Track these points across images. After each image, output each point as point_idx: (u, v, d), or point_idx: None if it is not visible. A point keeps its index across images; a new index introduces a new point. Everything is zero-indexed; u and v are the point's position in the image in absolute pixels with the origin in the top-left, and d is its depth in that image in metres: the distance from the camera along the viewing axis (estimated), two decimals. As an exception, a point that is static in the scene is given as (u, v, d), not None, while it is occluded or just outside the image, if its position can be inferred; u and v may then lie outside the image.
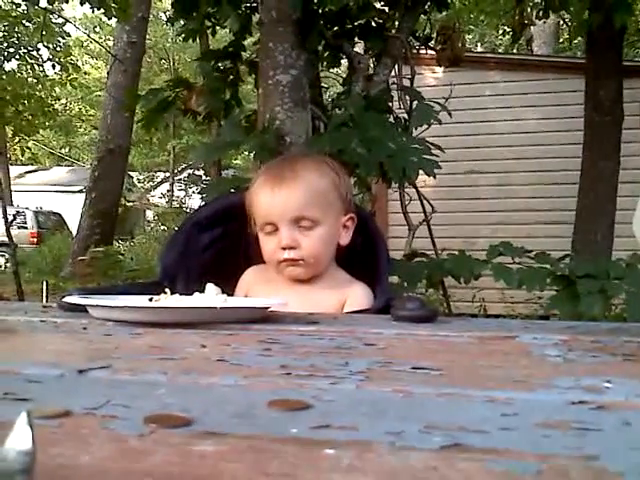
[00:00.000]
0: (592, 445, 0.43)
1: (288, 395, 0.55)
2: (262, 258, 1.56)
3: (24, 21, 14.12)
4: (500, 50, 17.77)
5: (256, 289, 1.46)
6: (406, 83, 3.43)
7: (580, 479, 0.37)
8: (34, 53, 15.14)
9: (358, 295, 1.42)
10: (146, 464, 0.39)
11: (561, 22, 14.88)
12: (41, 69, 16.08)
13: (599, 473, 0.38)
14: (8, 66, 15.10)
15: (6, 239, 6.02)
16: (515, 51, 11.69)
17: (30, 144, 25.79)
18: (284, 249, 1.41)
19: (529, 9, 4.77)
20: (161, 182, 27.61)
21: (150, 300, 1.10)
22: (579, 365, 0.74)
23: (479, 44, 19.88)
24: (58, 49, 14.71)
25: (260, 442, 0.43)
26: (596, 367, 0.73)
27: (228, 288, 1.28)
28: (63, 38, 14.55)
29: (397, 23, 3.54)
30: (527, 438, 0.44)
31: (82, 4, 6.28)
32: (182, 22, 4.29)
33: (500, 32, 17.05)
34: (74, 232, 14.43)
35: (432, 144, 2.89)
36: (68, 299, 1.11)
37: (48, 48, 14.54)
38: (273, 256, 1.43)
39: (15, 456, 0.31)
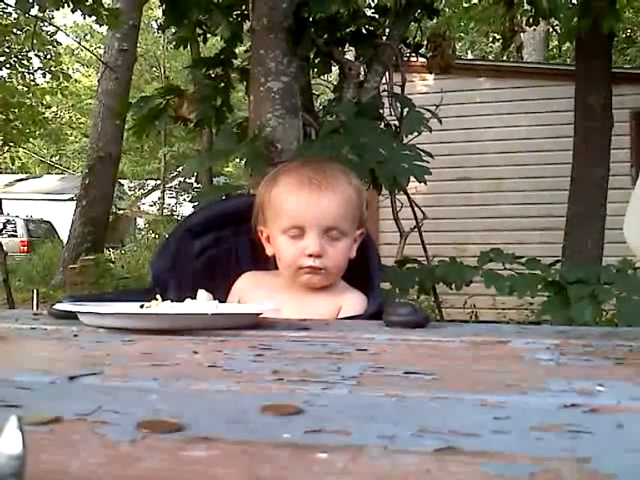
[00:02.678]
0: (585, 447, 0.43)
1: (280, 400, 0.55)
2: (255, 264, 1.56)
3: (15, 29, 14.09)
4: (490, 57, 17.85)
5: (251, 295, 1.45)
6: (397, 90, 3.44)
7: (573, 481, 0.37)
8: (25, 62, 15.10)
9: (353, 302, 1.42)
10: (137, 470, 0.39)
11: (551, 29, 14.98)
12: (32, 77, 16.04)
13: (592, 475, 0.38)
14: (-1, 74, 15.07)
15: (-4, 247, 6.00)
16: (505, 58, 11.75)
17: (20, 152, 25.71)
18: (310, 256, 1.38)
19: (519, 16, 4.79)
20: (152, 190, 27.55)
21: (141, 307, 1.09)
22: (571, 369, 0.74)
23: (469, 51, 19.98)
24: (49, 57, 14.69)
25: (253, 447, 0.43)
26: (588, 371, 0.73)
27: (220, 295, 1.27)
28: (54, 46, 14.53)
29: (388, 30, 3.55)
30: (520, 441, 0.44)
31: (73, 12, 6.27)
32: (173, 30, 4.30)
33: (490, 39, 17.14)
34: (64, 240, 14.38)
35: (422, 151, 2.90)
36: (59, 306, 1.11)
37: (39, 57, 14.52)
38: (294, 261, 1.40)
39: (5, 460, 0.31)
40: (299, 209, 1.40)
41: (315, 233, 1.39)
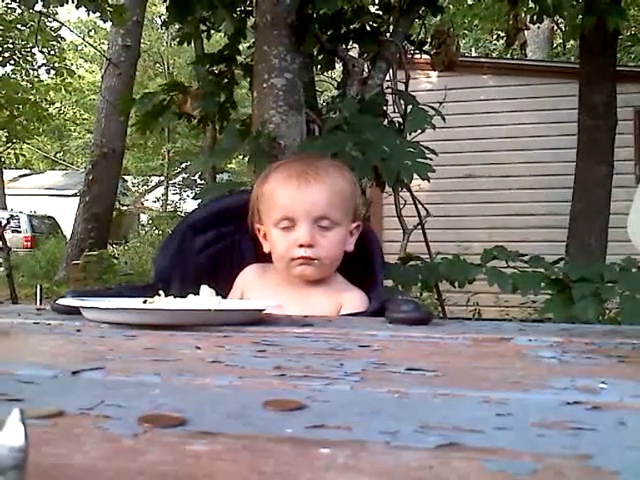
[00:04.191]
0: (587, 444, 0.43)
1: (283, 396, 0.55)
2: (257, 260, 1.56)
3: (19, 25, 14.10)
4: (494, 55, 17.83)
5: (253, 289, 1.45)
6: (401, 87, 3.44)
7: (575, 478, 0.37)
8: (29, 58, 15.11)
9: (354, 300, 1.42)
10: (140, 464, 0.39)
11: (555, 27, 14.96)
12: (35, 74, 16.05)
13: (594, 472, 0.38)
14: (2, 70, 15.07)
15: None
16: (509, 56, 11.74)
17: (24, 148, 25.72)
18: (301, 246, 1.39)
19: (523, 14, 4.78)
20: (155, 186, 27.59)
21: (144, 302, 1.09)
22: (574, 366, 0.74)
23: (473, 49, 19.94)
24: (53, 53, 14.70)
25: (255, 442, 0.43)
26: (591, 368, 0.73)
27: (222, 290, 1.28)
28: (58, 42, 14.53)
29: (392, 27, 3.55)
30: (522, 438, 0.44)
31: (78, 7, 6.27)
32: (177, 26, 4.30)
33: (494, 37, 17.12)
34: (68, 236, 14.40)
35: (426, 148, 2.90)
36: (62, 301, 1.11)
37: (43, 53, 14.52)
38: (287, 253, 1.41)
39: (8, 452, 0.31)
40: (288, 200, 1.41)
41: (305, 223, 1.39)
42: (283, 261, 1.42)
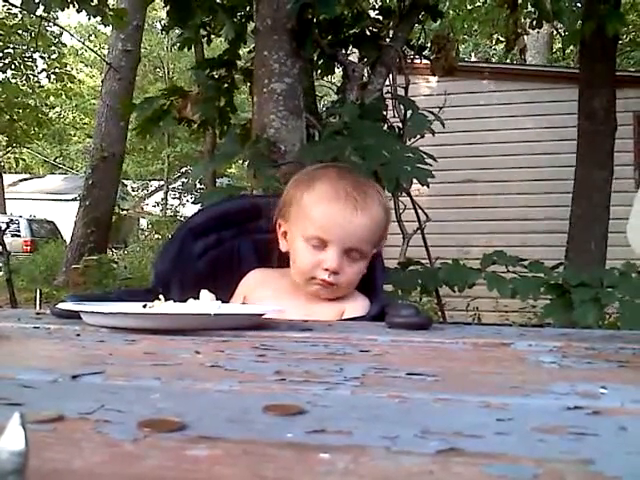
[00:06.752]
0: (588, 449, 0.43)
1: (283, 400, 0.55)
2: (258, 265, 1.55)
3: (20, 30, 14.11)
4: (494, 60, 17.86)
5: (256, 293, 1.45)
6: (400, 92, 3.44)
7: (576, 483, 0.37)
8: (29, 63, 15.12)
9: (356, 306, 1.41)
10: (140, 469, 0.39)
11: (554, 32, 14.99)
12: (36, 79, 16.05)
13: (595, 477, 0.38)
14: (2, 75, 15.07)
15: (-1, 247, 6.01)
16: (508, 61, 11.75)
17: (24, 152, 25.73)
18: (326, 270, 1.37)
19: (522, 18, 4.79)
20: (155, 190, 27.61)
21: (144, 307, 1.09)
22: (574, 371, 0.74)
23: (473, 54, 19.97)
24: (53, 58, 14.71)
25: (255, 447, 0.43)
26: (591, 373, 0.73)
27: (222, 295, 1.27)
28: (58, 48, 14.54)
29: (391, 32, 3.55)
30: (523, 443, 0.44)
31: (79, 12, 6.27)
32: (177, 31, 4.31)
33: (494, 42, 17.16)
34: (68, 240, 14.39)
35: (425, 153, 2.90)
36: (62, 306, 1.11)
37: (43, 58, 14.53)
38: (310, 271, 1.39)
39: (7, 457, 0.31)
40: (328, 222, 1.38)
41: (337, 250, 1.37)
42: (303, 277, 1.41)
